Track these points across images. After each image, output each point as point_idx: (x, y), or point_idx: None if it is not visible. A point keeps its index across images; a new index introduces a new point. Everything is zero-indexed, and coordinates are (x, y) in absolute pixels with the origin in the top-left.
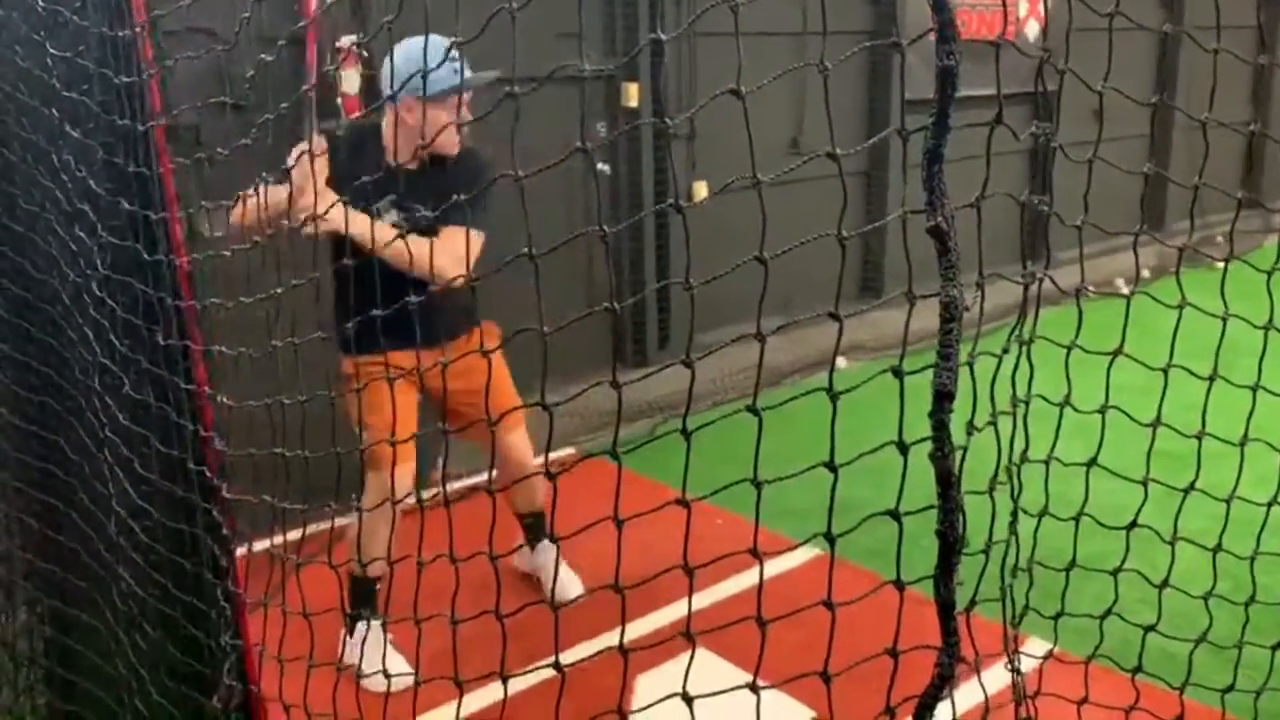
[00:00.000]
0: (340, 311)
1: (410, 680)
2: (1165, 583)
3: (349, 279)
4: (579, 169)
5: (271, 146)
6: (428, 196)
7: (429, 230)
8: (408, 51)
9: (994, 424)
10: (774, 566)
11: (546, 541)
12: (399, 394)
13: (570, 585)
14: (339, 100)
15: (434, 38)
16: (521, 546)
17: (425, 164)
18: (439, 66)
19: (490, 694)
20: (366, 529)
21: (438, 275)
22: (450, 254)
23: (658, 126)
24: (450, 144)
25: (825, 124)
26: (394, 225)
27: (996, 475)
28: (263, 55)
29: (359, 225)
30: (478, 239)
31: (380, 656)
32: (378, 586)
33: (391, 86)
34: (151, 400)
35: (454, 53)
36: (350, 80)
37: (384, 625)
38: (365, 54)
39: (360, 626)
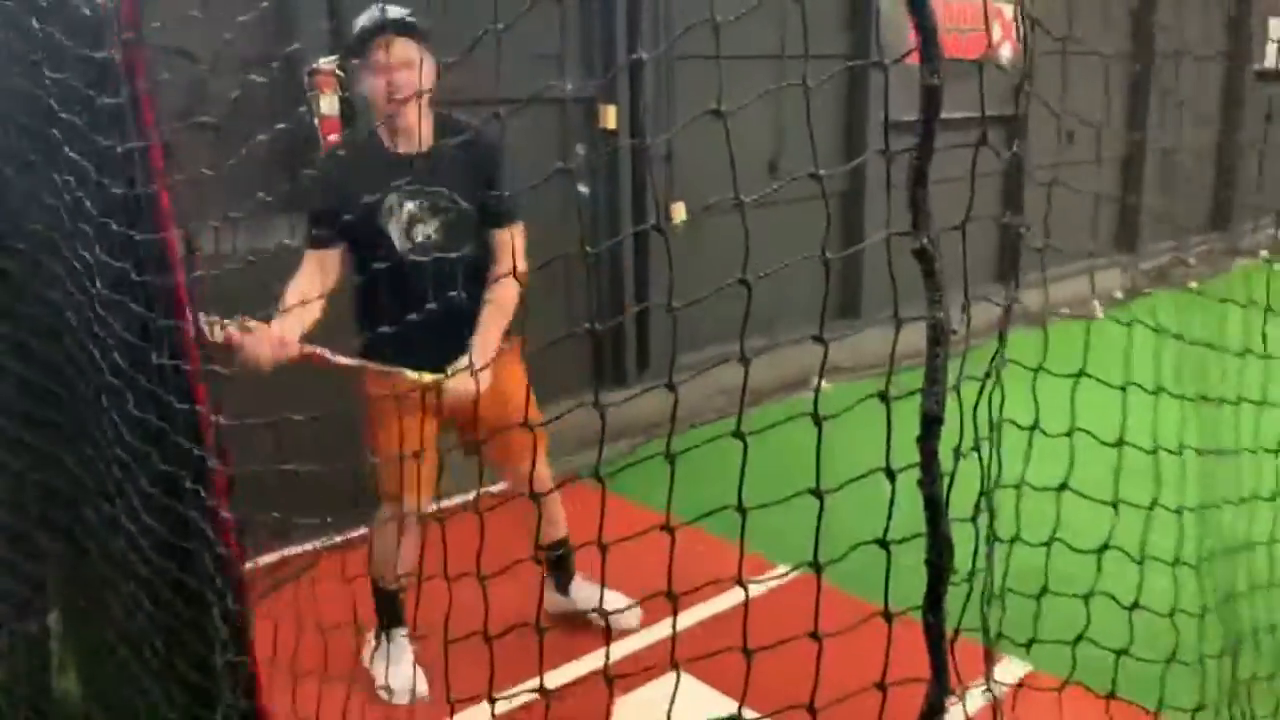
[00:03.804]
0: (365, 329)
1: (408, 697)
2: (1136, 604)
3: (373, 297)
4: (558, 191)
5: (248, 168)
6: (446, 178)
7: (450, 210)
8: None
9: (977, 450)
10: (753, 589)
11: (580, 579)
12: (416, 419)
13: (630, 615)
14: (316, 123)
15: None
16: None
17: (434, 147)
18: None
19: (477, 715)
20: (377, 548)
21: (516, 294)
22: (517, 259)
23: (636, 148)
24: (408, 86)
25: (804, 146)
26: (412, 214)
27: (979, 503)
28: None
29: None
30: (522, 231)
31: (397, 670)
32: (401, 597)
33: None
34: (153, 418)
35: (377, 12)
36: (329, 103)
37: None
38: (341, 75)
39: (382, 637)
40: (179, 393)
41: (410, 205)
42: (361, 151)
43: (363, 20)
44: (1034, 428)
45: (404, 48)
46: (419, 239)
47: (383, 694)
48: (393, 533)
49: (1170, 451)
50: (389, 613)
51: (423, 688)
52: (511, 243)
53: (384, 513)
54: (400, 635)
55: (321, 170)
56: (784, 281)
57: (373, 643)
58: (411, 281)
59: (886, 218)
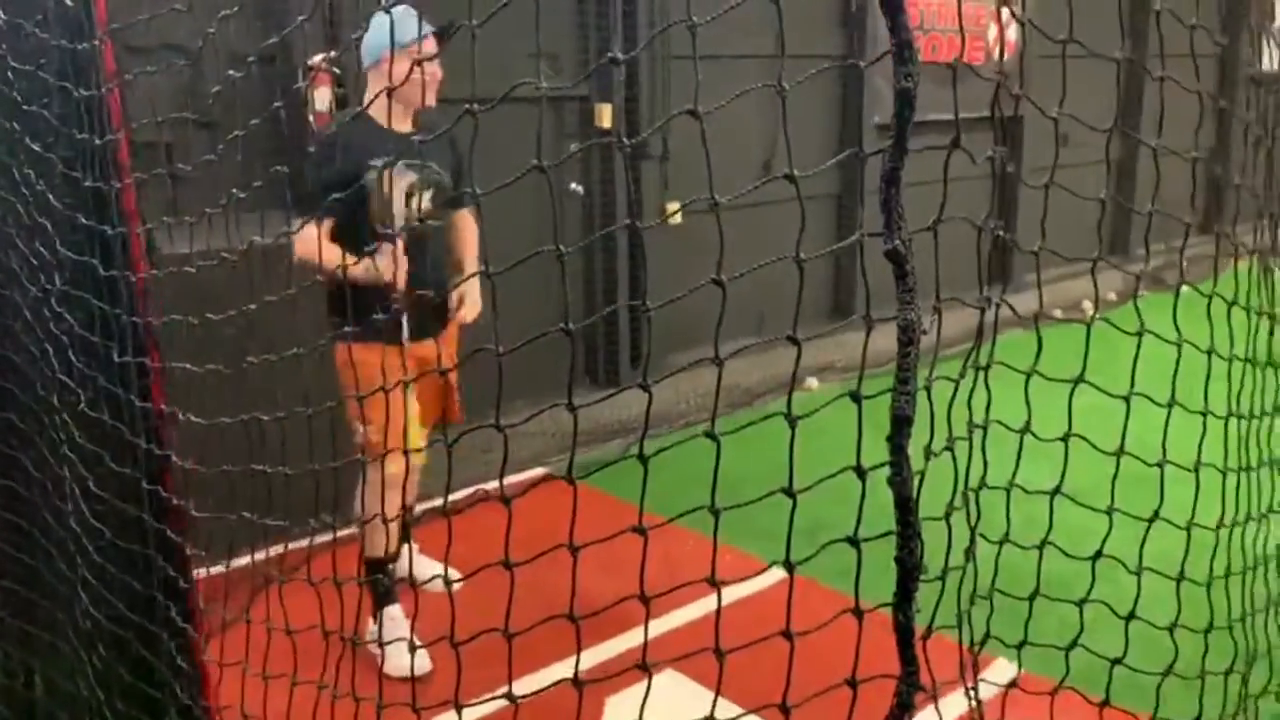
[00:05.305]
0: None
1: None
2: (1132, 614)
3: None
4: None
5: (240, 164)
6: (431, 155)
7: (438, 183)
8: (377, 21)
9: (951, 449)
10: (745, 587)
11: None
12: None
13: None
14: (310, 118)
15: (398, 7)
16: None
17: (417, 126)
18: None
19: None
20: (370, 511)
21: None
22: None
23: (631, 147)
24: (431, 85)
25: (796, 148)
26: (413, 184)
27: (953, 501)
28: (231, 72)
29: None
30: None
31: (397, 649)
32: (391, 568)
33: (368, 55)
34: (106, 418)
35: (411, 10)
36: (322, 99)
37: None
38: (337, 71)
39: (380, 615)
40: (137, 391)
41: (409, 174)
42: (364, 128)
43: (410, 19)
44: (1025, 430)
45: (436, 46)
46: (415, 208)
47: (393, 672)
48: (385, 493)
49: (1178, 466)
50: (382, 587)
51: (424, 664)
52: (471, 221)
53: (375, 474)
54: (396, 611)
55: (330, 145)
56: (778, 282)
57: (372, 627)
58: (410, 247)
59: (861, 219)
